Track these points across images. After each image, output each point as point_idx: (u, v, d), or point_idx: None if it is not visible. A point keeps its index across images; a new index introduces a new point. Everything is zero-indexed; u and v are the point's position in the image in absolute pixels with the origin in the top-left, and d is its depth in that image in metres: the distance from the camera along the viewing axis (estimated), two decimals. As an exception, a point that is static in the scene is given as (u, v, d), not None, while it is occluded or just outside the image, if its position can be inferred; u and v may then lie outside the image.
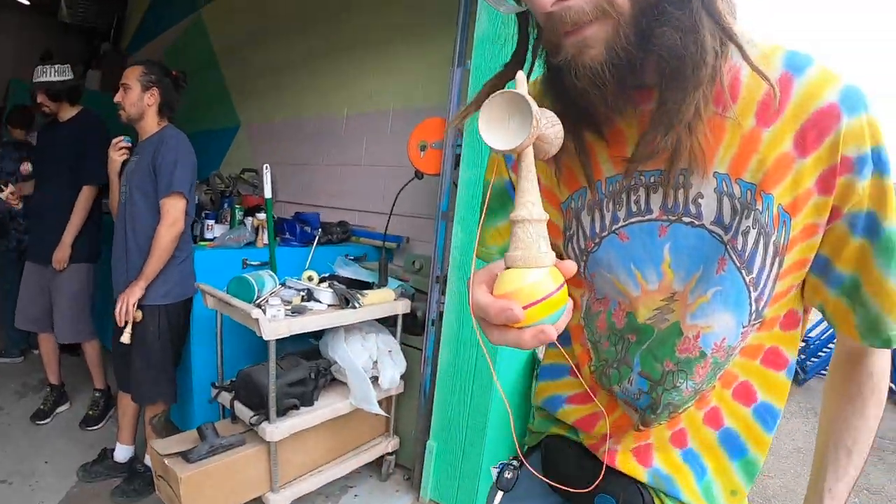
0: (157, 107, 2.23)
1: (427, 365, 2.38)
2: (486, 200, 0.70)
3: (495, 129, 0.50)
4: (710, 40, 0.52)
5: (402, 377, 2.41)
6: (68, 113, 2.80)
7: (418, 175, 2.39)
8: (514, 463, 0.91)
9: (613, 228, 0.65)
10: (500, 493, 0.90)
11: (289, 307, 2.03)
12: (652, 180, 0.61)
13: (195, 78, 2.97)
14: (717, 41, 0.53)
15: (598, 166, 0.65)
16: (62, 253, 2.71)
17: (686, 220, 0.61)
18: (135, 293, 2.11)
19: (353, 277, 2.32)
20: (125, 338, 2.14)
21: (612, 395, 0.75)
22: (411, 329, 2.45)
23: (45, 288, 2.86)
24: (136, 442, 2.59)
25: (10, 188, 2.88)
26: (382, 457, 2.54)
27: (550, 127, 0.52)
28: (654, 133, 0.56)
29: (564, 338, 0.83)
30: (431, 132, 2.36)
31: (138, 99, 2.19)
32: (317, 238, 2.66)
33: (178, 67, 2.43)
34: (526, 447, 0.96)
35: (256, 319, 1.88)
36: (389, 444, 2.53)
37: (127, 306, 2.11)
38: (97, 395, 3.08)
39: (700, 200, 0.60)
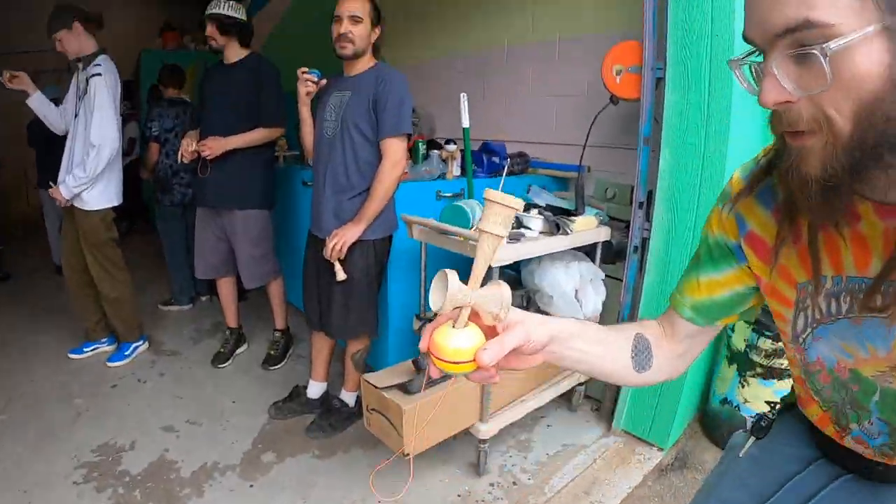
0: (374, 44, 2.22)
1: (627, 293, 2.33)
2: (698, 250, 0.85)
3: (436, 292, 0.64)
4: None
5: (601, 305, 2.38)
6: (237, 54, 2.78)
7: (614, 100, 2.30)
8: (770, 414, 0.96)
9: (849, 315, 0.68)
10: (752, 439, 0.95)
11: (506, 232, 2.01)
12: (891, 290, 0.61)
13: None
14: None
15: (840, 261, 0.67)
16: (215, 143, 2.68)
17: None
18: (354, 233, 2.13)
19: (553, 205, 2.28)
20: (340, 275, 2.16)
21: (839, 433, 0.80)
22: (605, 257, 2.41)
23: (223, 235, 2.94)
24: (328, 379, 2.68)
25: (188, 142, 2.77)
26: (573, 388, 2.54)
27: (485, 304, 0.64)
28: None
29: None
30: (628, 56, 2.25)
31: (369, 33, 2.17)
32: (506, 168, 2.64)
33: (306, 18, 2.38)
34: (782, 403, 0.99)
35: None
36: (581, 376, 2.52)
37: (343, 246, 2.12)
38: (277, 335, 3.21)
39: None
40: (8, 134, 6.04)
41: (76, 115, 2.84)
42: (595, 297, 2.27)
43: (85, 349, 3.24)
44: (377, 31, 2.21)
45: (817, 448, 0.88)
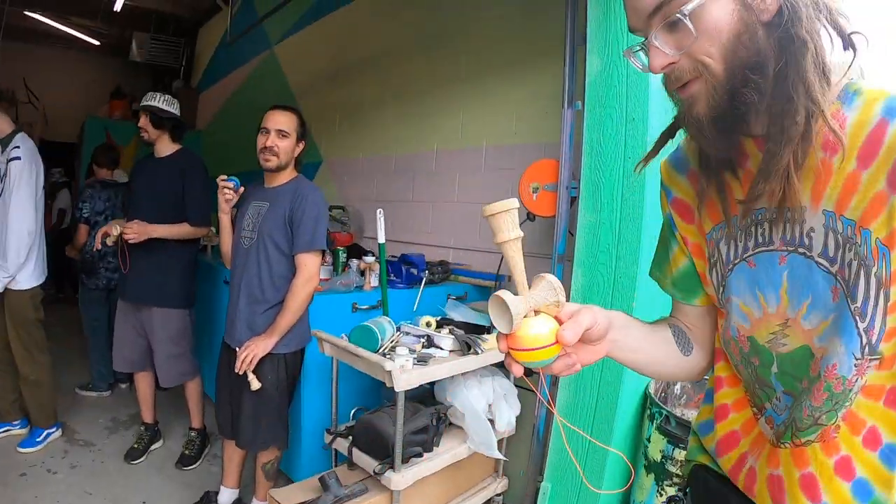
0: (297, 157, 2.25)
1: (542, 407, 2.32)
2: (663, 229, 0.95)
3: (499, 317, 0.68)
4: (799, 103, 0.63)
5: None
6: (168, 149, 2.79)
7: (531, 217, 2.36)
8: (679, 496, 1.02)
9: (744, 256, 0.77)
10: None
11: (413, 355, 2.00)
12: (771, 216, 0.72)
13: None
14: (805, 104, 0.63)
15: (733, 203, 0.76)
16: (138, 228, 2.59)
17: (801, 251, 0.71)
18: (264, 346, 2.10)
19: (467, 321, 2.29)
20: (254, 385, 2.11)
21: (756, 415, 0.84)
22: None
23: (142, 329, 2.87)
24: (241, 485, 2.57)
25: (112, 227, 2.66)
26: (490, 499, 2.49)
27: (549, 297, 0.69)
28: (757, 180, 0.68)
29: (708, 394, 0.95)
30: (544, 174, 2.33)
31: (293, 148, 2.20)
32: (423, 280, 2.64)
33: (254, 103, 2.44)
34: (681, 481, 1.08)
35: (389, 372, 1.85)
36: (498, 486, 2.49)
37: (253, 358, 2.08)
38: (193, 434, 3.08)
39: (812, 234, 0.69)
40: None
41: None
42: (508, 412, 2.26)
43: None
44: (301, 145, 2.25)
45: None
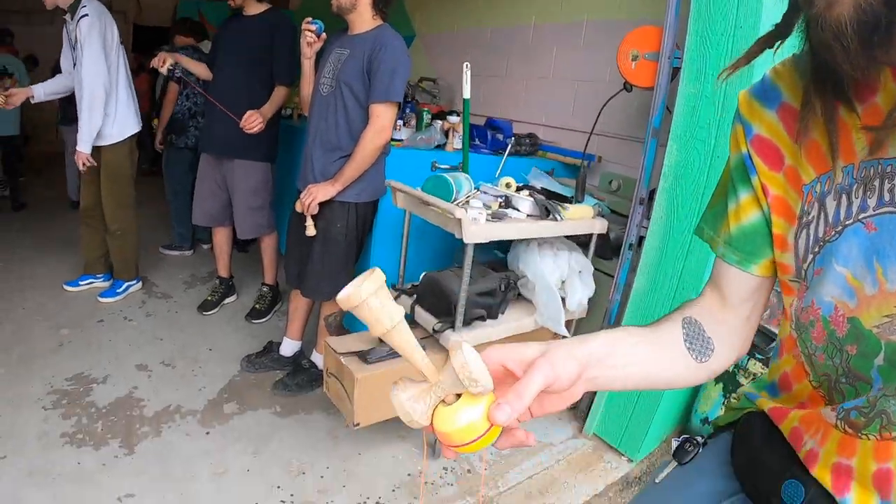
0: (376, 2, 2.10)
1: (617, 291, 2.21)
2: (725, 173, 0.75)
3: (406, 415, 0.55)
4: None
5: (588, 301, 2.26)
6: (255, 8, 2.75)
7: (627, 87, 2.16)
8: (698, 439, 0.86)
9: (861, 217, 0.59)
10: (672, 463, 0.86)
11: (489, 212, 1.92)
12: None
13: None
14: None
15: (851, 147, 0.59)
16: (255, 118, 2.65)
17: None
18: (326, 192, 2.08)
19: (550, 189, 2.17)
20: (310, 230, 2.12)
21: (823, 403, 0.68)
22: (601, 252, 2.28)
23: (223, 183, 2.94)
24: (304, 338, 2.65)
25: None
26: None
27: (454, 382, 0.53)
28: (893, 121, 0.52)
29: (775, 352, 0.78)
30: (645, 42, 2.10)
31: None
32: (509, 147, 2.52)
33: None
34: (713, 427, 0.90)
35: (459, 220, 1.77)
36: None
37: (313, 202, 2.07)
38: (265, 289, 3.19)
39: None
40: (45, 71, 6.14)
41: (75, 66, 2.83)
42: (582, 291, 2.16)
43: (80, 282, 3.30)
44: None
45: (738, 480, 0.77)
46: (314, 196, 2.08)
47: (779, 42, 0.62)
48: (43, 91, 2.93)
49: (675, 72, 2.04)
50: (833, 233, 0.61)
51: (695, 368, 0.71)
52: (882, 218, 0.57)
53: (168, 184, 4.00)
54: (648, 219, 2.09)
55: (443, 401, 0.54)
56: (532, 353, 0.57)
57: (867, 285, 0.58)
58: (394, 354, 1.92)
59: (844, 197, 0.60)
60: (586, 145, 2.28)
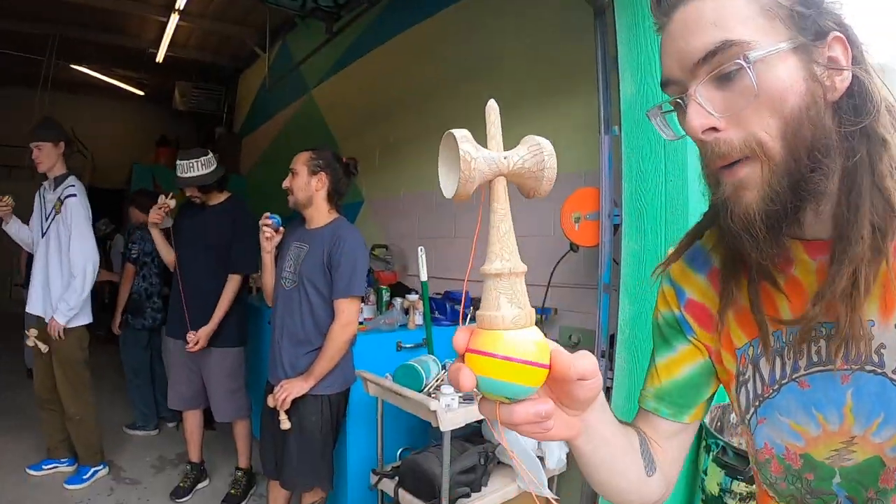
0: (325, 192, 2.23)
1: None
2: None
3: (451, 176, 0.46)
4: (869, 214, 0.53)
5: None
6: (216, 199, 2.87)
7: (573, 248, 2.32)
8: None
9: (794, 377, 0.64)
10: None
11: (459, 394, 1.96)
12: (832, 332, 0.59)
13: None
14: (878, 216, 0.53)
15: (777, 313, 0.64)
16: (204, 337, 2.73)
17: (869, 368, 0.59)
18: (300, 388, 2.09)
19: (513, 356, 2.23)
20: (284, 425, 2.11)
21: None
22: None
23: (196, 368, 2.92)
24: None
25: (164, 199, 2.75)
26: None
27: (529, 159, 0.47)
28: (813, 302, 0.57)
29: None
30: (585, 203, 2.29)
31: (306, 184, 2.19)
32: (469, 316, 2.61)
33: (295, 145, 2.44)
34: None
35: (434, 412, 1.82)
36: None
37: (287, 398, 2.08)
38: (239, 473, 3.08)
39: (882, 351, 0.58)
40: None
41: (43, 234, 2.89)
42: (559, 450, 2.19)
43: (44, 466, 3.17)
44: (321, 178, 2.21)
45: None
46: (288, 392, 2.08)
47: (708, 230, 0.71)
48: (17, 227, 3.02)
49: (616, 228, 2.18)
50: (771, 391, 0.66)
51: (641, 482, 0.70)
52: (814, 377, 0.62)
53: (126, 363, 3.91)
54: (612, 370, 2.16)
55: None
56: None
57: (811, 429, 0.63)
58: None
59: (777, 359, 0.65)
60: (544, 300, 2.39)
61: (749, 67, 0.51)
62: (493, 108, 0.47)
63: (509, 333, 0.44)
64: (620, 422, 0.71)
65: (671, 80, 0.59)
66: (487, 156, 0.45)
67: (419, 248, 2.41)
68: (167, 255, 2.85)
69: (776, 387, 0.66)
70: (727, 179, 0.56)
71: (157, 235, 2.78)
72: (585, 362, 0.47)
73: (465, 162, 0.43)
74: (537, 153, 0.47)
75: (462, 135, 0.44)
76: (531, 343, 0.44)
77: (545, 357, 0.44)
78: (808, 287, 0.62)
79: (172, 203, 2.72)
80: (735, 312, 0.68)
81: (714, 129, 0.55)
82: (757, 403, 0.68)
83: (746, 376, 0.69)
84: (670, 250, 0.76)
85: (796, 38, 0.53)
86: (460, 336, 0.47)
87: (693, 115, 0.55)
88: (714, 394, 0.77)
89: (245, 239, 2.77)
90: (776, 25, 0.53)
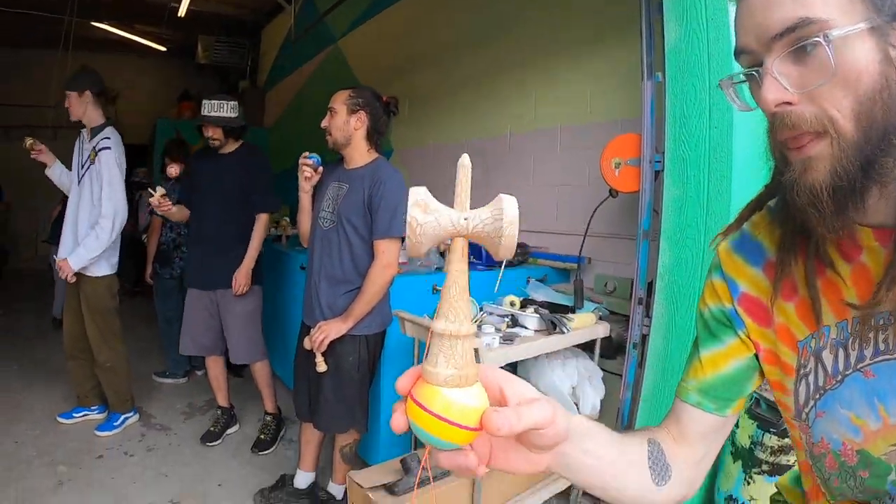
0: (364, 131, 2.19)
1: (627, 389, 2.24)
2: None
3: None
4: None
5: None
6: (231, 146, 2.90)
7: (613, 193, 2.29)
8: None
9: (859, 367, 0.63)
10: None
11: (500, 334, 1.96)
12: None
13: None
14: None
15: (842, 304, 0.63)
16: (244, 278, 2.79)
17: None
18: (338, 329, 2.08)
19: (550, 301, 2.23)
20: (321, 367, 2.11)
21: None
22: (604, 353, 2.34)
23: (215, 313, 2.95)
24: (318, 468, 2.58)
25: (162, 190, 2.74)
26: (571, 486, 2.42)
27: (490, 224, 0.47)
28: (881, 285, 0.56)
29: (794, 477, 0.83)
30: (626, 149, 2.26)
31: (344, 123, 2.16)
32: (504, 261, 2.61)
33: (320, 97, 2.40)
34: None
35: (476, 350, 1.81)
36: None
37: (325, 340, 2.08)
38: (268, 418, 3.12)
39: None
40: (21, 184, 6.19)
41: (79, 182, 2.92)
42: (593, 395, 2.19)
43: (74, 414, 3.22)
44: (360, 117, 2.17)
45: None
46: (326, 333, 2.08)
47: (757, 214, 0.70)
48: (59, 171, 3.09)
49: (657, 175, 2.17)
50: (834, 382, 0.65)
51: (650, 491, 0.70)
52: (879, 366, 0.62)
53: (160, 312, 3.98)
54: (649, 317, 2.16)
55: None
56: (531, 393, 0.53)
57: (871, 422, 0.63)
58: (421, 484, 1.90)
59: (841, 350, 0.64)
60: (581, 249, 2.37)
61: (828, 46, 0.51)
62: (463, 166, 0.48)
63: (447, 392, 0.46)
64: (624, 434, 0.72)
65: (745, 50, 0.58)
66: (444, 218, 0.46)
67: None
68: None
69: (839, 377, 0.65)
70: (796, 157, 0.56)
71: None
72: (536, 414, 0.49)
73: (410, 228, 0.45)
74: (497, 219, 0.47)
75: (415, 199, 0.46)
76: (465, 406, 0.46)
77: (474, 421, 0.46)
78: (875, 275, 0.61)
79: (161, 191, 2.68)
80: (796, 305, 0.68)
81: (787, 103, 0.55)
82: (818, 396, 0.67)
83: (808, 368, 0.68)
84: (727, 252, 0.76)
85: (874, 18, 0.52)
86: (405, 380, 0.50)
87: (769, 88, 0.55)
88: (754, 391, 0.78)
89: (263, 180, 2.81)
90: (855, 4, 0.52)
